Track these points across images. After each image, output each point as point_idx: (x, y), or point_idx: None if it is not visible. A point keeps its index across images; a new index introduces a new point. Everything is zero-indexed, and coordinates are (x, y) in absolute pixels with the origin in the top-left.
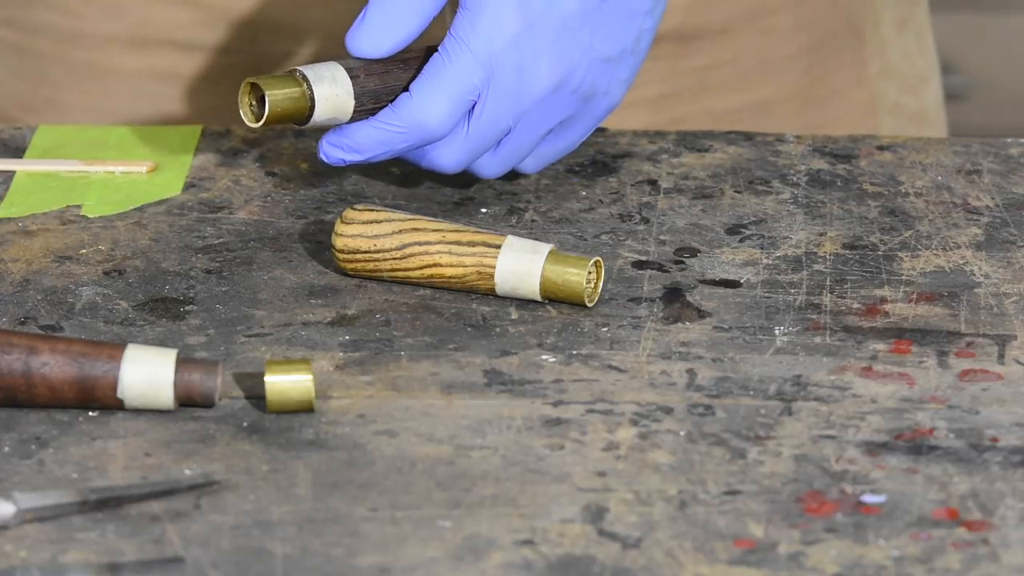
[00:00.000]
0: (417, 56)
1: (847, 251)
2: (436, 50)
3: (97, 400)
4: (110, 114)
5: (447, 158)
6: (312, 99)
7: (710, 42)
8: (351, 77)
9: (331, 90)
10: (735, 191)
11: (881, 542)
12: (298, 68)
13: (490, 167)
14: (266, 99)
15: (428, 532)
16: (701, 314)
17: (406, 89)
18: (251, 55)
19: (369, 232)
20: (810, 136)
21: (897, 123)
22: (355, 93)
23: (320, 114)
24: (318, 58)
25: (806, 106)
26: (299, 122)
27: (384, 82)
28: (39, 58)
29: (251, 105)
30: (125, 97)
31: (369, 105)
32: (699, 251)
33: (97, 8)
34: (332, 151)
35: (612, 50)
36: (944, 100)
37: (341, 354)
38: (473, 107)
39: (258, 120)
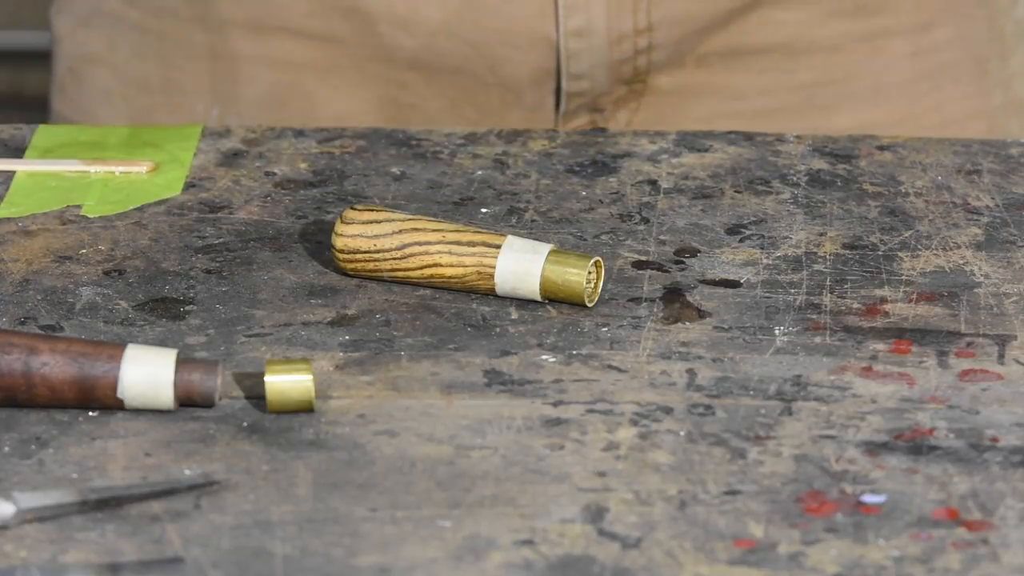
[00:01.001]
0: None
1: (847, 251)
2: None
3: (97, 400)
4: (226, 99)
5: None
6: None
7: (820, 58)
8: None
9: None
10: (735, 191)
11: (881, 542)
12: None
13: None
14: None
15: (428, 532)
16: (701, 314)
17: None
18: (367, 45)
19: (369, 232)
20: (810, 136)
21: None
22: None
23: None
24: (428, 48)
25: (915, 133)
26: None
27: None
28: (161, 39)
29: (592, 283)
30: (242, 83)
31: None
32: (699, 251)
33: None
34: None
35: None
36: None
37: (341, 354)
38: None
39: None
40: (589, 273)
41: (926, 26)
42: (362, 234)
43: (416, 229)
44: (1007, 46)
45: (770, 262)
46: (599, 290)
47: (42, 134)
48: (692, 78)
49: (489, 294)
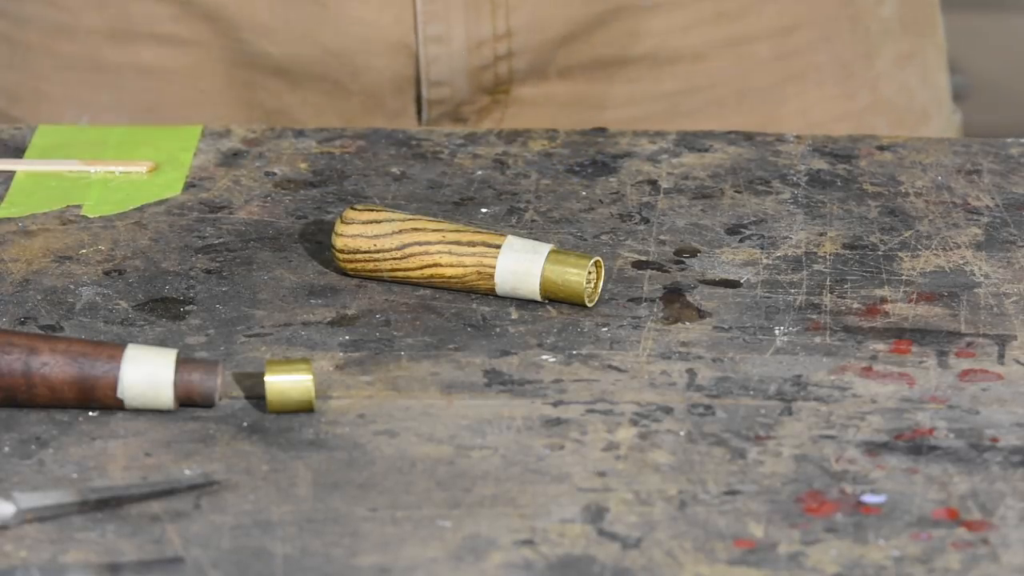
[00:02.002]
0: None
1: (847, 251)
2: None
3: (97, 400)
4: (94, 107)
5: None
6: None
7: (685, 67)
8: None
9: None
10: (735, 191)
11: (881, 542)
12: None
13: None
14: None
15: (428, 532)
16: (701, 314)
17: None
18: (232, 51)
19: (369, 232)
20: (810, 136)
21: None
22: None
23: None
24: (294, 56)
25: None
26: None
27: None
28: (28, 49)
29: (593, 283)
30: (109, 90)
31: None
32: (699, 251)
33: (81, 0)
34: None
35: None
36: (958, 130)
37: (341, 354)
38: None
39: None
40: (589, 273)
41: (789, 30)
42: (362, 234)
43: (416, 229)
44: (872, 45)
45: (770, 262)
46: (599, 290)
47: (42, 134)
48: (555, 88)
49: (489, 294)
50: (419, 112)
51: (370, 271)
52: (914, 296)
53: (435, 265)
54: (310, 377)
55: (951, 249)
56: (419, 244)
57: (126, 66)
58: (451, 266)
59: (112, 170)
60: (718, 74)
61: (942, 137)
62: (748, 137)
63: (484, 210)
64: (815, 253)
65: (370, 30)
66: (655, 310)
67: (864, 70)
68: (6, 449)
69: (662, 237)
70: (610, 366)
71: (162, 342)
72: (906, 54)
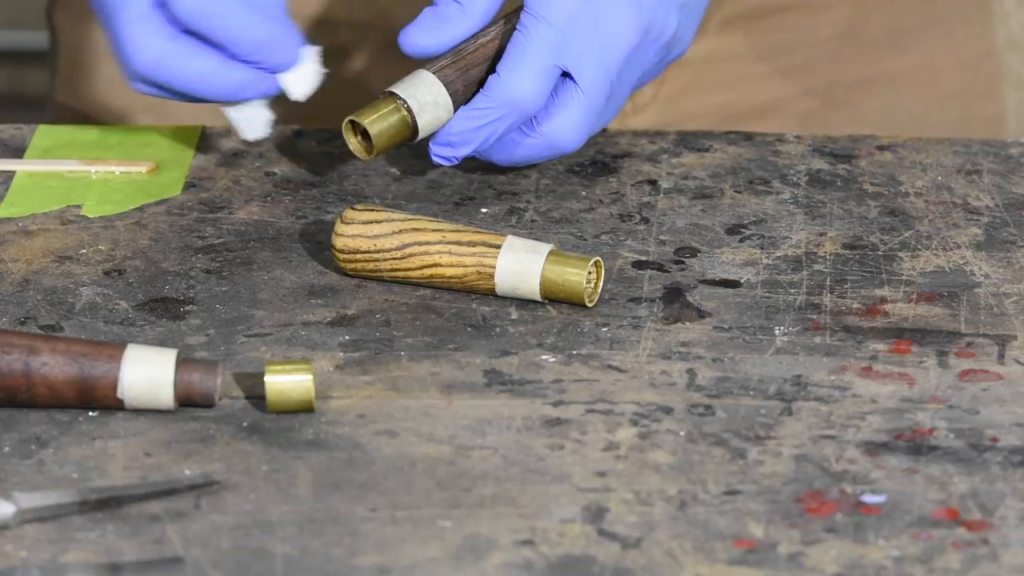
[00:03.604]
0: (495, 39)
1: (847, 251)
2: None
3: (97, 400)
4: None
5: (565, 132)
6: (414, 121)
7: (839, 11)
8: (443, 81)
9: (430, 104)
10: (735, 191)
11: (881, 542)
12: (392, 90)
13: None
14: (371, 137)
15: (428, 532)
16: (701, 314)
17: (494, 71)
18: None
19: (369, 232)
20: (810, 136)
21: (1020, 95)
22: (451, 95)
23: (425, 129)
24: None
25: (936, 75)
26: (408, 142)
27: (471, 75)
28: None
29: (358, 139)
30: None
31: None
32: (699, 251)
33: None
34: (441, 150)
35: None
36: None
37: (341, 354)
38: (569, 76)
39: (368, 152)
40: (589, 273)
41: None
42: (362, 234)
43: (416, 229)
44: None
45: (770, 262)
46: (599, 290)
47: (42, 134)
48: (715, 45)
49: (489, 294)
50: None
51: (370, 271)
52: (914, 296)
53: (435, 265)
54: (310, 377)
55: (951, 249)
56: (419, 244)
57: None
58: (451, 266)
59: (112, 170)
60: (873, 18)
61: (942, 137)
62: (748, 137)
63: (484, 210)
64: (815, 253)
65: None
66: (655, 310)
67: (998, 6)
68: (6, 449)
69: (662, 237)
70: (610, 366)
71: (162, 342)
72: None
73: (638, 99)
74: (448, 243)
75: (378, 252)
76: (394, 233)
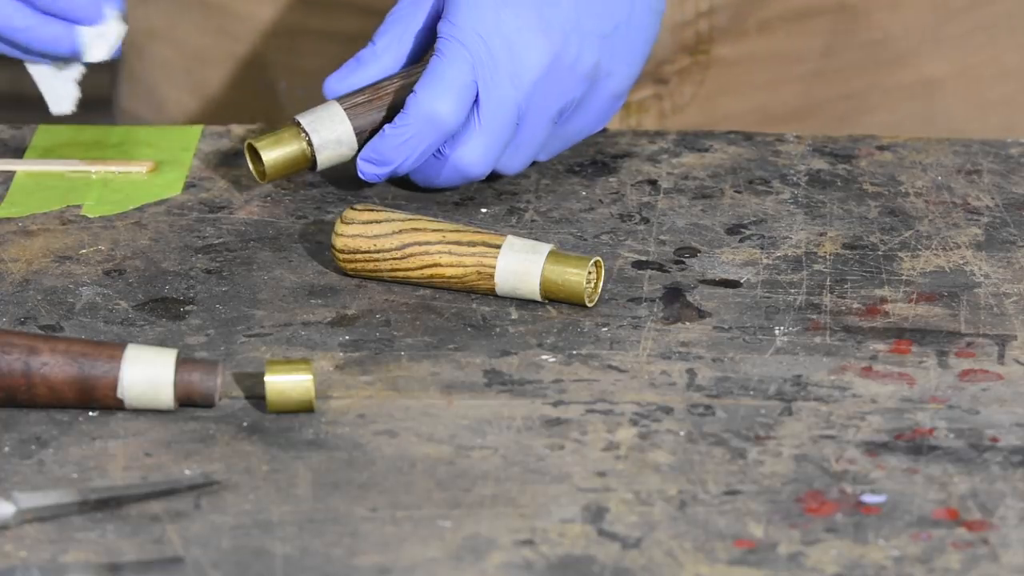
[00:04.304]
0: (418, 75)
1: (847, 251)
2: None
3: (97, 400)
4: (290, 71)
5: (470, 157)
6: (312, 152)
7: (877, 15)
8: (353, 115)
9: (333, 141)
10: (735, 191)
11: (881, 542)
12: (297, 117)
13: (511, 161)
14: (265, 165)
15: (428, 532)
16: (701, 314)
17: (412, 92)
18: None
19: (369, 232)
20: (810, 136)
21: None
22: (358, 126)
23: (324, 164)
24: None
25: (978, 83)
26: (308, 170)
27: (394, 105)
28: (223, 13)
29: (256, 163)
30: (307, 56)
31: (379, 128)
32: (699, 251)
33: None
34: (366, 168)
35: (605, 26)
36: None
37: (341, 354)
38: (477, 97)
39: (263, 178)
40: (589, 273)
41: None
42: (362, 234)
43: (416, 229)
44: None
45: (770, 262)
46: (599, 290)
47: (42, 134)
48: (755, 45)
49: (489, 294)
50: None
51: (370, 271)
52: (914, 296)
53: (435, 265)
54: (310, 377)
55: (951, 249)
56: (419, 244)
57: (325, 32)
58: (451, 266)
59: (112, 170)
60: (913, 23)
61: (942, 137)
62: (748, 137)
63: (484, 210)
64: (815, 253)
65: None
66: (655, 310)
67: None
68: (6, 449)
69: (662, 237)
70: (610, 366)
71: (162, 342)
72: None
73: (677, 98)
74: (448, 243)
75: (378, 252)
76: (394, 233)
